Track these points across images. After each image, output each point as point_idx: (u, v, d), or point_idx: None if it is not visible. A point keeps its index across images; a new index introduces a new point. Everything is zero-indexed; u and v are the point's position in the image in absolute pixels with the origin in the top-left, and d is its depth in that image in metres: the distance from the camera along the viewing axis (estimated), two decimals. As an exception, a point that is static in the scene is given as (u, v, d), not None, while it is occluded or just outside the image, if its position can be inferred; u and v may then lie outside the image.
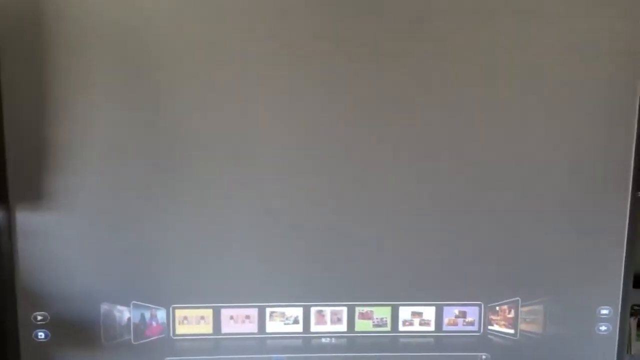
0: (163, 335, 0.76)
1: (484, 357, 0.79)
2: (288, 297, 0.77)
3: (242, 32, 0.70)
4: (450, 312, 0.78)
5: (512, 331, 0.79)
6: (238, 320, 0.77)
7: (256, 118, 0.72)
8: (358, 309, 0.78)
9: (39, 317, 0.74)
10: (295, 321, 0.77)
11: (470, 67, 0.72)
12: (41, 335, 0.75)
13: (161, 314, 0.76)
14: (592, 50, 0.72)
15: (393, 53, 0.71)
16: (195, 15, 0.70)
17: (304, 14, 0.70)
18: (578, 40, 0.72)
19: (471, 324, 0.79)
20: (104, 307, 0.75)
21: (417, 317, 0.78)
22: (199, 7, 0.69)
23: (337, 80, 0.72)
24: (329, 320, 0.78)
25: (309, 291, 0.77)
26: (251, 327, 0.77)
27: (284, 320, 0.77)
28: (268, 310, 0.77)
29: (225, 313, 0.76)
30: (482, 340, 0.79)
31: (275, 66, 0.71)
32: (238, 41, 0.70)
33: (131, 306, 0.75)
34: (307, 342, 0.78)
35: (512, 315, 0.78)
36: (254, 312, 0.77)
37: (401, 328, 0.78)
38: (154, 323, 0.76)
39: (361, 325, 0.78)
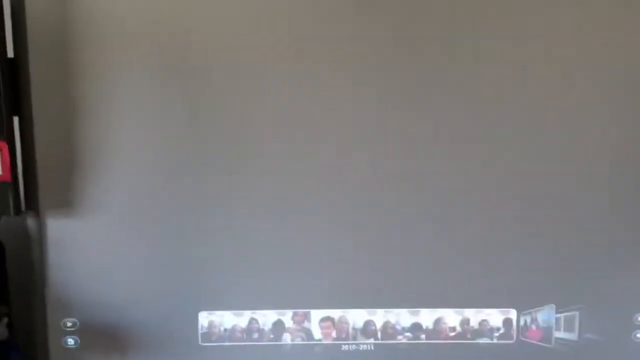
0: (196, 343, 0.76)
1: (517, 365, 0.78)
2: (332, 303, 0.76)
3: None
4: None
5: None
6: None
7: (282, 121, 0.71)
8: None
9: (69, 324, 0.74)
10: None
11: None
12: (71, 341, 0.75)
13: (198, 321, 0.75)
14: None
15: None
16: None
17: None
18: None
19: (505, 331, 0.77)
20: (135, 313, 0.74)
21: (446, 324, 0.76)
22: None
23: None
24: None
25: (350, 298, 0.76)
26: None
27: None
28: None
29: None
30: (516, 348, 0.77)
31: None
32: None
33: (162, 313, 0.75)
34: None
35: (546, 322, 0.77)
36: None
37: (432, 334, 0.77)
38: (188, 330, 0.75)
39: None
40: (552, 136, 0.72)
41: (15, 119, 0.69)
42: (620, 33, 0.69)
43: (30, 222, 0.72)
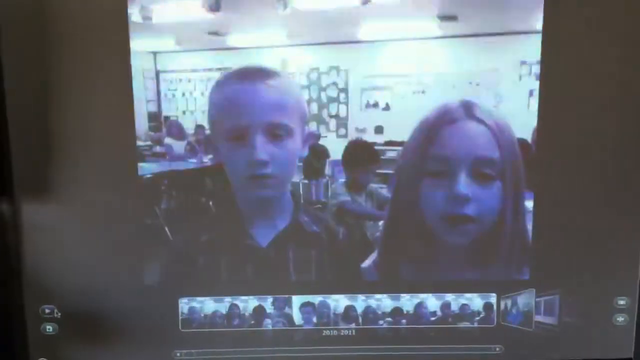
0: (176, 329, 0.75)
1: (497, 349, 0.78)
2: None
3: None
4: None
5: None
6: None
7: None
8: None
9: (47, 311, 0.74)
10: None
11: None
12: (49, 328, 0.74)
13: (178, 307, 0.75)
14: None
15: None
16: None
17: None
18: None
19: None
20: (113, 299, 0.74)
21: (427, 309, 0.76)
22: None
23: None
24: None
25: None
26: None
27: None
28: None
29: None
30: (496, 332, 0.77)
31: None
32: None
33: (142, 299, 0.74)
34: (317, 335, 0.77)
35: (526, 306, 0.77)
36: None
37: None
38: (163, 316, 0.75)
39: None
40: None
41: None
42: None
43: (5, 207, 0.71)
